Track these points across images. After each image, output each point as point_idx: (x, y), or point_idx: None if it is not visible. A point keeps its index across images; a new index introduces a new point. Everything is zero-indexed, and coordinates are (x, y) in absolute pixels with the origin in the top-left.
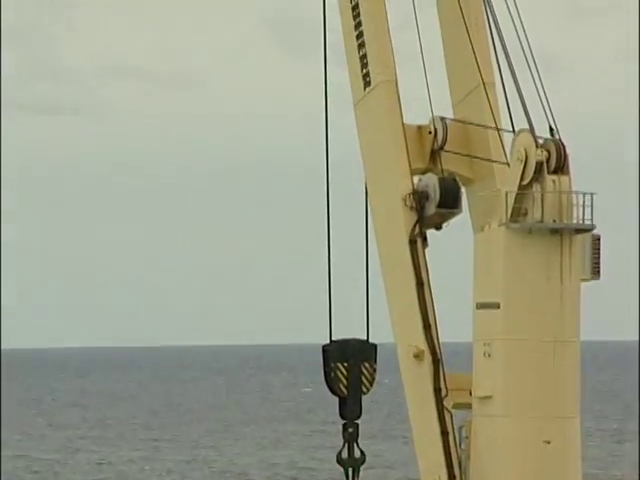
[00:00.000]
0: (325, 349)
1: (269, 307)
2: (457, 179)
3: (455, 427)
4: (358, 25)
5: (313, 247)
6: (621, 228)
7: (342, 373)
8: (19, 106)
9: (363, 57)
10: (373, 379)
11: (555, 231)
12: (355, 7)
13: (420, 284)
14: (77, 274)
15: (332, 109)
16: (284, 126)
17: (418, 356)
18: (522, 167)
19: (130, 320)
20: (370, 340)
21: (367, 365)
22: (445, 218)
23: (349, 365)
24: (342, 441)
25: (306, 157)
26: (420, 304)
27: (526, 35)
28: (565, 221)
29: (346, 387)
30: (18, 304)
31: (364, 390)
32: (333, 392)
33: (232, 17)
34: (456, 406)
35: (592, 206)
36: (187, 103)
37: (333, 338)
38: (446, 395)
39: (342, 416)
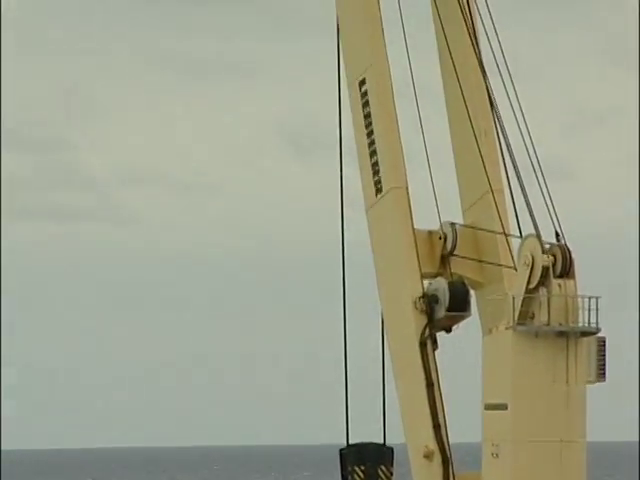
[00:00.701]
0: (342, 453)
1: (282, 408)
2: (466, 283)
3: None
4: (370, 134)
5: (328, 349)
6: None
7: (359, 476)
8: (36, 212)
9: (375, 164)
10: None
11: (561, 334)
12: (367, 116)
13: (430, 385)
14: (87, 377)
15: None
16: (298, 227)
17: (428, 456)
18: (529, 271)
19: (140, 421)
20: (386, 443)
21: (384, 468)
22: (455, 321)
23: (366, 468)
24: None
25: (320, 258)
26: (430, 404)
27: (532, 143)
28: (571, 324)
29: None
30: (31, 405)
31: None
32: None
33: (246, 122)
34: None
35: (597, 309)
36: (203, 208)
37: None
38: None
39: None
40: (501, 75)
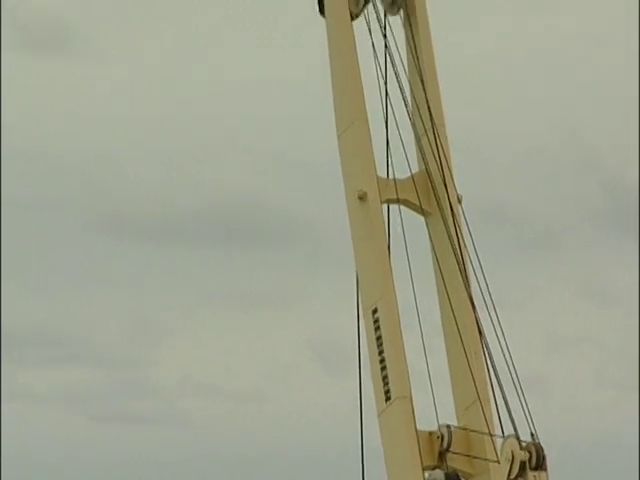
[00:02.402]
0: None
1: None
2: (459, 475)
3: None
4: (381, 352)
5: None
6: None
7: None
8: (104, 418)
9: (385, 377)
10: None
11: None
12: (379, 338)
13: None
14: None
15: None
16: (325, 430)
17: None
18: (509, 465)
19: None
20: None
21: None
22: None
23: None
24: None
25: (341, 457)
26: None
27: (513, 363)
28: None
29: None
30: None
31: None
32: None
33: (282, 342)
34: None
35: None
36: (253, 416)
37: None
38: None
39: None
40: (487, 306)
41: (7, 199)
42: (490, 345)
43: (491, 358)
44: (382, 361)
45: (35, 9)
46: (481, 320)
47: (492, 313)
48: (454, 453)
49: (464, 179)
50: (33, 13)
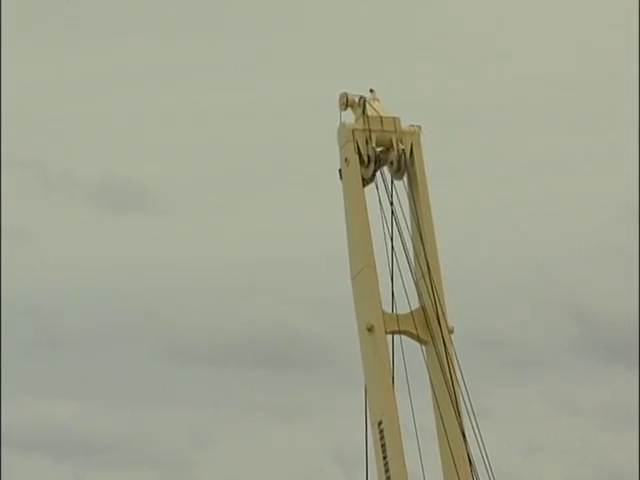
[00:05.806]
0: None
1: None
2: None
3: None
4: (385, 457)
5: None
6: None
7: None
8: None
9: (388, 478)
10: None
11: None
12: (383, 445)
13: None
14: None
15: None
16: None
17: None
18: None
19: None
20: None
21: None
22: None
23: None
24: None
25: None
26: None
27: (489, 462)
28: None
29: None
30: None
31: None
32: None
33: (308, 449)
34: None
35: None
36: None
37: None
38: None
39: None
40: (470, 420)
41: (96, 332)
42: (474, 451)
43: (472, 463)
44: (386, 464)
45: (117, 174)
46: (467, 430)
47: (475, 424)
48: None
49: (464, 307)
50: (116, 179)
